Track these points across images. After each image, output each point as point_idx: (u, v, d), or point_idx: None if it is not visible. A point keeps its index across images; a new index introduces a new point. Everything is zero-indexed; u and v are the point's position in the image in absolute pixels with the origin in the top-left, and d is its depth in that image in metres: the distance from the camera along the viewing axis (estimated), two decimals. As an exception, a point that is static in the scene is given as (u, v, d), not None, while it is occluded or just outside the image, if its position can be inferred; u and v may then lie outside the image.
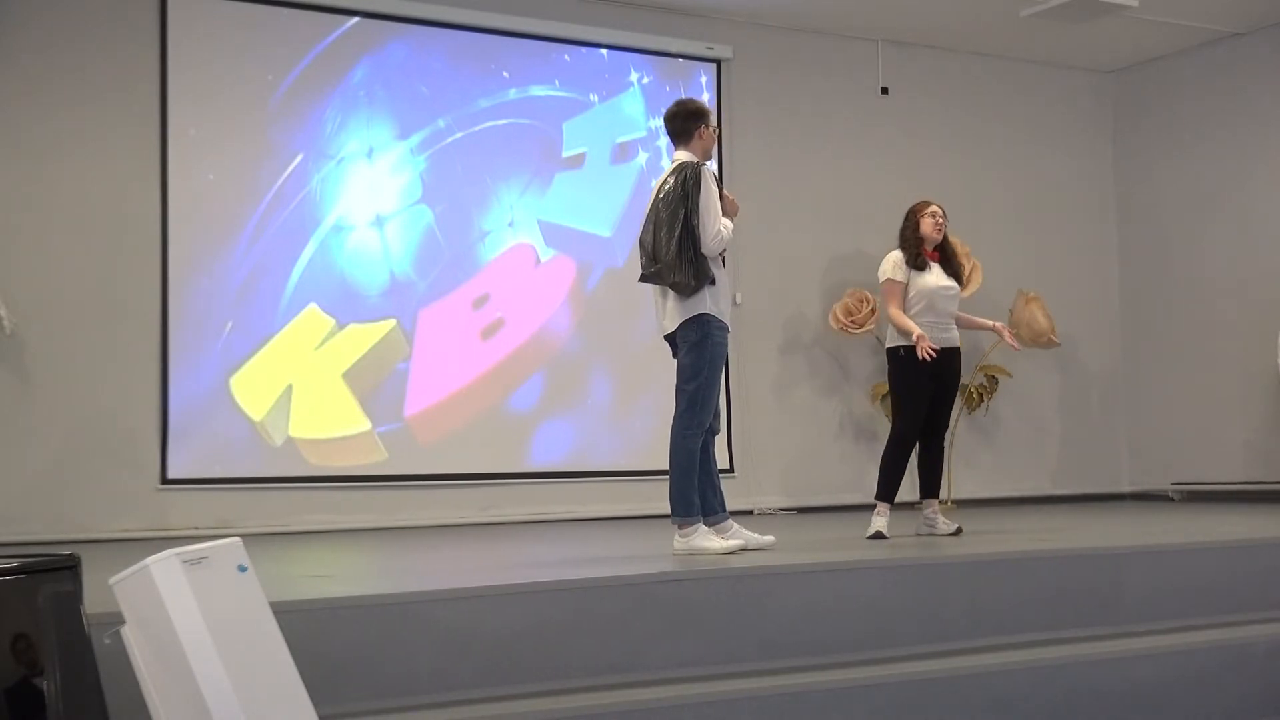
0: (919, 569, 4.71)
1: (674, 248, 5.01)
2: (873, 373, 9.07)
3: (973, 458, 9.33)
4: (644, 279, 5.19)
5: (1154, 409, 9.78)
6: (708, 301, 5.08)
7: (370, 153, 7.87)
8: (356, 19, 7.87)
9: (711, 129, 5.34)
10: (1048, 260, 9.73)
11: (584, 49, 8.48)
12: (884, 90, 9.36)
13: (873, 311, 8.65)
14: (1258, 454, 9.06)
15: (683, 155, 5.28)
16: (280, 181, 7.61)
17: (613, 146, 8.47)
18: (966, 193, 9.48)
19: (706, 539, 5.08)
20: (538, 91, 8.34)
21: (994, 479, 9.40)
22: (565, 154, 8.38)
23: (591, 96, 8.48)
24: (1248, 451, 9.12)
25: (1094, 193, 10.10)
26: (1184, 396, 9.54)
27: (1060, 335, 9.19)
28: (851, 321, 8.65)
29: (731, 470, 8.54)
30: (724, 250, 5.15)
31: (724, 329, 5.13)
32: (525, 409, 8.16)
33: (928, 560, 4.85)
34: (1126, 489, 9.90)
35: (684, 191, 5.07)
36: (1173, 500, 9.45)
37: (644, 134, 8.59)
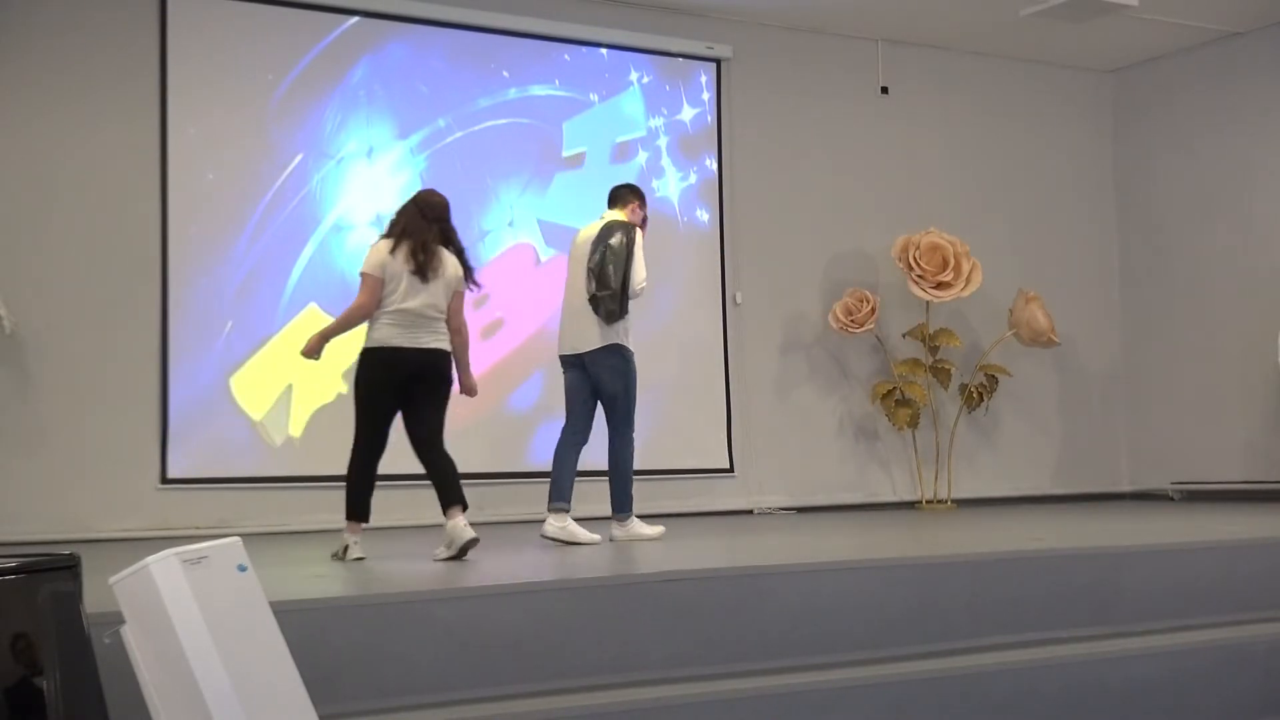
0: (919, 569, 4.70)
1: None
2: (873, 372, 9.07)
3: (973, 457, 9.33)
4: None
5: (1154, 408, 9.78)
6: None
7: (370, 152, 7.87)
8: (356, 18, 7.87)
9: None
10: (1048, 260, 9.72)
11: (584, 48, 8.47)
12: (884, 90, 9.36)
13: (873, 311, 8.65)
14: (1258, 454, 9.05)
15: None
16: (280, 181, 7.61)
17: (613, 146, 8.47)
18: (966, 192, 9.49)
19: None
20: (538, 91, 8.34)
21: (994, 479, 9.39)
22: (565, 154, 8.38)
23: (591, 96, 8.48)
24: (1248, 451, 9.11)
25: (1094, 192, 10.10)
26: (1184, 396, 9.54)
27: (1060, 335, 9.18)
28: (851, 321, 8.65)
29: (731, 470, 8.52)
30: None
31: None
32: (525, 409, 8.16)
33: (928, 560, 4.84)
34: (1126, 489, 9.90)
35: None
36: (1173, 500, 9.44)
37: (644, 134, 8.59)
